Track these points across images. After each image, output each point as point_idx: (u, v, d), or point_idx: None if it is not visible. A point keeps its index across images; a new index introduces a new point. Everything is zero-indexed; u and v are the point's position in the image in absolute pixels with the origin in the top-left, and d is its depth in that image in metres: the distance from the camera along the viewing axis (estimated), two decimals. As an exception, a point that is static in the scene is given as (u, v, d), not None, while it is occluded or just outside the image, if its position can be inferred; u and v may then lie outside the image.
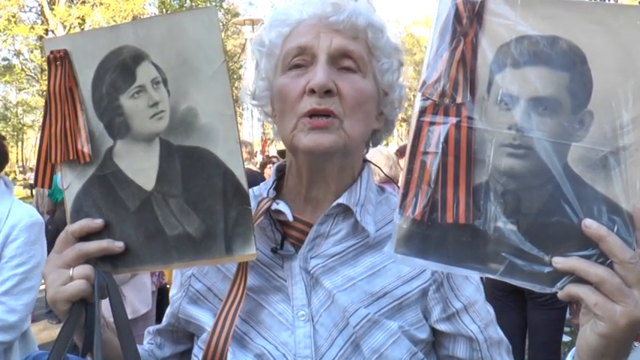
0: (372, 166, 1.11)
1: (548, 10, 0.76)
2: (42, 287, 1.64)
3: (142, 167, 0.91)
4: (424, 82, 0.78)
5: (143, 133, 0.91)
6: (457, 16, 0.77)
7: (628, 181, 0.75)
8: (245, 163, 0.94)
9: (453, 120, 0.77)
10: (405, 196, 0.79)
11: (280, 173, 1.09)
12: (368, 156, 1.11)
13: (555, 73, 0.76)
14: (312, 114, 0.93)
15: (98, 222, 0.91)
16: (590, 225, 0.74)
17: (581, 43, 0.76)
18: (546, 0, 0.77)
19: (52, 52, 0.92)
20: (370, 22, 0.99)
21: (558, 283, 0.76)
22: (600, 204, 0.75)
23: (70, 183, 0.93)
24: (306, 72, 0.96)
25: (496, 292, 3.29)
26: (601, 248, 0.73)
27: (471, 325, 0.99)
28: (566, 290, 0.75)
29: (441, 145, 0.77)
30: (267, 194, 1.04)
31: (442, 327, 0.99)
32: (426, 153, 0.78)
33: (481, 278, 1.01)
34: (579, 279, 0.74)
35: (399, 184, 0.80)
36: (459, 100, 0.77)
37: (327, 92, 0.92)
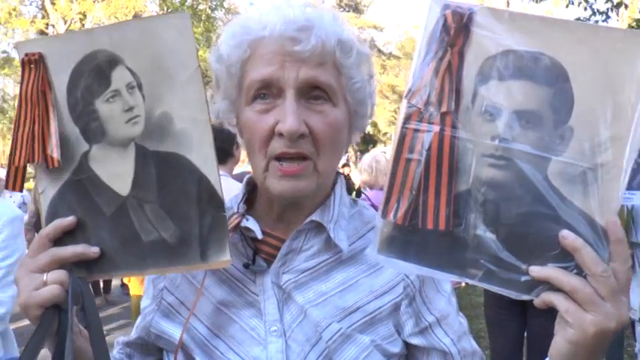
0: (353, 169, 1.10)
1: (534, 26, 0.78)
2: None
3: (117, 172, 0.90)
4: (410, 90, 0.79)
5: (118, 137, 0.90)
6: (445, 27, 0.78)
7: (604, 198, 0.76)
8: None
9: (436, 128, 0.79)
10: (387, 199, 0.80)
11: (250, 187, 1.06)
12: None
13: (539, 88, 0.78)
14: (283, 157, 0.90)
15: (69, 219, 0.89)
16: (567, 236, 0.75)
17: (564, 61, 0.77)
18: (532, 17, 0.79)
19: (26, 55, 0.90)
20: (339, 39, 0.92)
21: (534, 291, 0.77)
22: (577, 217, 0.77)
23: (45, 188, 0.92)
24: (273, 105, 0.91)
25: (498, 302, 3.33)
26: (576, 260, 0.75)
27: (444, 339, 0.99)
28: (542, 297, 0.77)
29: (424, 152, 0.79)
30: (238, 209, 1.02)
31: (415, 341, 0.99)
32: (409, 159, 0.79)
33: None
34: (555, 288, 0.75)
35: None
36: (443, 109, 0.78)
37: (299, 136, 0.89)
